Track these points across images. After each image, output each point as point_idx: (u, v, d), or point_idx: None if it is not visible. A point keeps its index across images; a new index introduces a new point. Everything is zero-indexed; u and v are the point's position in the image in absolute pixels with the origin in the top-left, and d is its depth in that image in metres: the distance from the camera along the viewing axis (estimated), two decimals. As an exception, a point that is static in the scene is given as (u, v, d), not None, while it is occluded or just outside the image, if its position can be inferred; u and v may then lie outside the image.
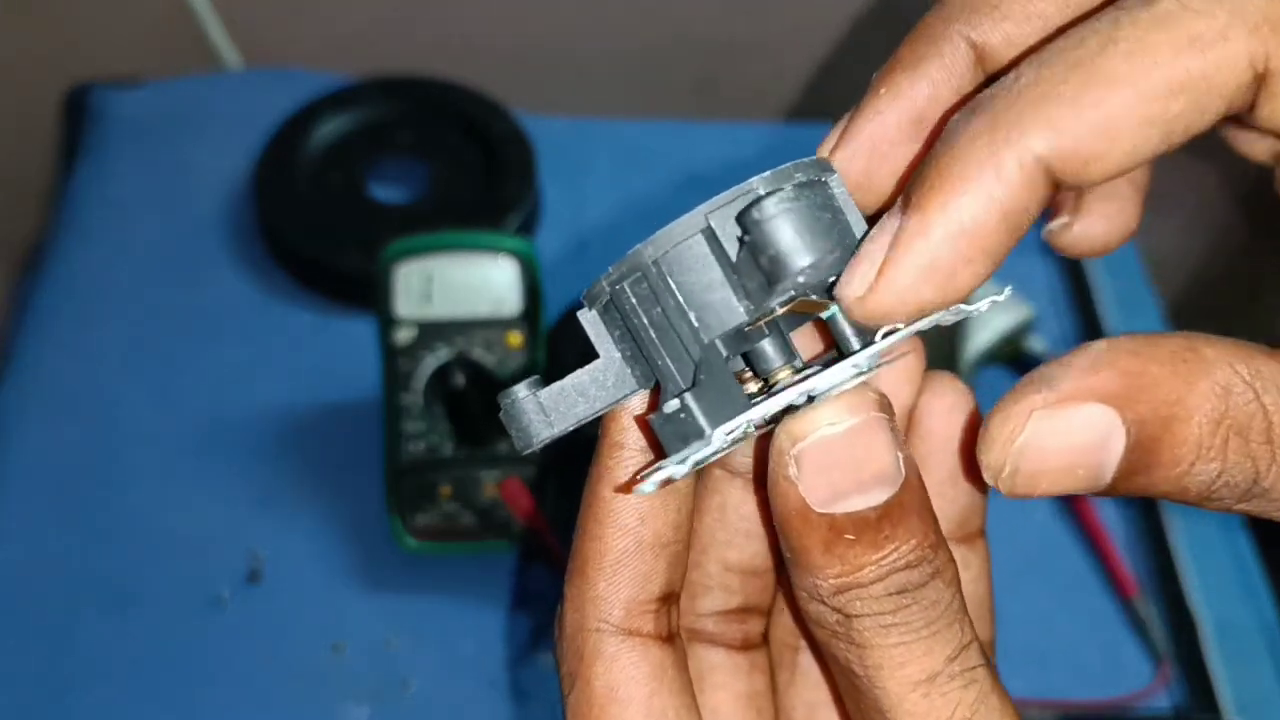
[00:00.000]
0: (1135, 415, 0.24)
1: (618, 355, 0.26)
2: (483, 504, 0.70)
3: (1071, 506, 0.77)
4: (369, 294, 0.75)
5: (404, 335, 0.72)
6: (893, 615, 0.25)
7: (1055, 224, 0.31)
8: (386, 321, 0.73)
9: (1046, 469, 0.25)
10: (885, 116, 0.28)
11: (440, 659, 0.70)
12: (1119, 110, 0.23)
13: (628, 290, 0.26)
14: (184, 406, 0.79)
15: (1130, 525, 0.77)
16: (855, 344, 0.26)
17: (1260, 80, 0.23)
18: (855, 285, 0.25)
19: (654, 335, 0.25)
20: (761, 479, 0.31)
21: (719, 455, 0.26)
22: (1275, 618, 0.74)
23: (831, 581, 0.25)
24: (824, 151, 0.28)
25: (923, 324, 0.26)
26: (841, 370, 0.25)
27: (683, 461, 0.24)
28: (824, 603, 0.25)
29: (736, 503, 0.32)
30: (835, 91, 1.10)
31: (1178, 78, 0.23)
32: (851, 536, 0.25)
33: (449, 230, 0.75)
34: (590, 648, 0.27)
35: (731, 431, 0.24)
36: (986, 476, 0.25)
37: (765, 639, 0.33)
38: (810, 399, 0.25)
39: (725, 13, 1.04)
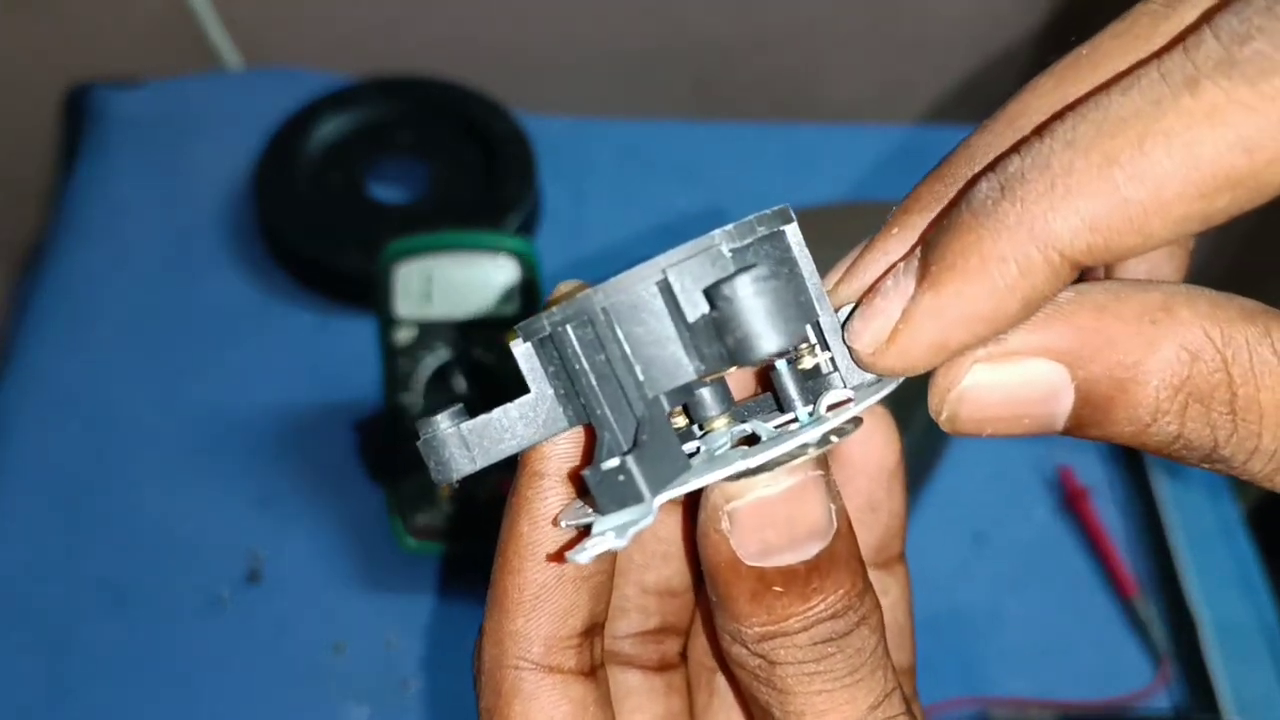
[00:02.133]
0: (1087, 374, 0.23)
1: (550, 392, 0.26)
2: (483, 504, 0.70)
3: (1072, 507, 0.77)
4: (369, 294, 0.75)
5: (404, 335, 0.72)
6: (816, 664, 0.25)
7: None
8: (386, 321, 0.73)
9: (988, 416, 0.25)
10: (893, 258, 0.26)
11: (440, 659, 0.70)
12: (1157, 210, 0.21)
13: (570, 333, 0.25)
14: (184, 407, 0.79)
15: (1130, 525, 0.77)
16: (797, 401, 0.25)
17: None
18: (866, 341, 0.25)
19: (594, 382, 0.25)
20: (691, 507, 0.30)
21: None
22: (1275, 618, 0.74)
23: (757, 630, 0.25)
24: (829, 284, 0.27)
25: (873, 398, 0.25)
26: (790, 444, 0.24)
27: (622, 533, 0.23)
28: (747, 648, 0.25)
29: (653, 526, 0.30)
30: (835, 92, 1.10)
31: (1223, 174, 0.21)
32: (779, 589, 0.24)
33: (449, 230, 0.75)
34: (509, 685, 0.27)
35: (670, 498, 0.24)
36: (931, 413, 0.25)
37: (683, 658, 0.33)
38: (759, 468, 0.24)
39: (725, 13, 1.04)
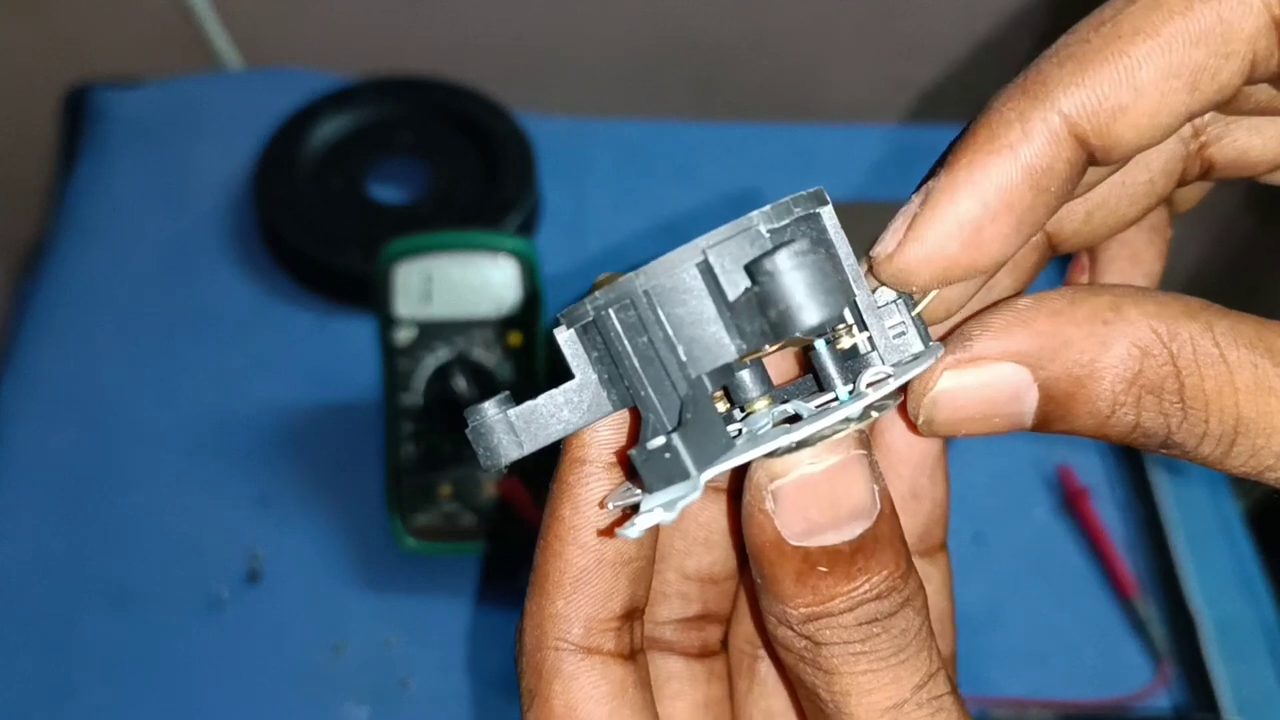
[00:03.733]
0: (1047, 374, 0.25)
1: (594, 377, 0.26)
2: (483, 504, 0.70)
3: (1071, 507, 0.77)
4: (369, 294, 0.75)
5: (404, 335, 0.72)
6: (862, 644, 0.25)
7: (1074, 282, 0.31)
8: (386, 321, 0.73)
9: (961, 418, 0.26)
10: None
11: (440, 659, 0.70)
12: (1141, 59, 0.24)
13: (613, 316, 0.25)
14: (184, 406, 0.79)
15: (1130, 525, 0.77)
16: (837, 380, 0.26)
17: None
18: (886, 243, 0.26)
19: (638, 364, 0.25)
20: (734, 493, 0.31)
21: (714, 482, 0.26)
22: (1275, 618, 0.74)
23: (802, 610, 0.25)
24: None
25: (909, 373, 0.26)
26: (832, 419, 0.24)
27: (670, 508, 0.23)
28: (792, 629, 0.25)
29: (695, 511, 0.31)
30: (835, 92, 1.10)
31: (1196, 26, 0.23)
32: (824, 569, 0.25)
33: (449, 230, 0.75)
34: (549, 666, 0.27)
35: (716, 474, 0.24)
36: (910, 418, 0.27)
37: (724, 646, 0.33)
38: (799, 445, 0.25)
39: (725, 13, 1.04)
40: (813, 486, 0.25)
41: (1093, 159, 0.25)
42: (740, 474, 0.26)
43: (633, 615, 0.28)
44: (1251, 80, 0.24)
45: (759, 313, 0.23)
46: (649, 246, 0.88)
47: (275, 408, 0.79)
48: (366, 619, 0.71)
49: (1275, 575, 0.76)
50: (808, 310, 0.23)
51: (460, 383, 0.71)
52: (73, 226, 0.88)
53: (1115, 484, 0.79)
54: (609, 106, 1.06)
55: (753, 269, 0.23)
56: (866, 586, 0.25)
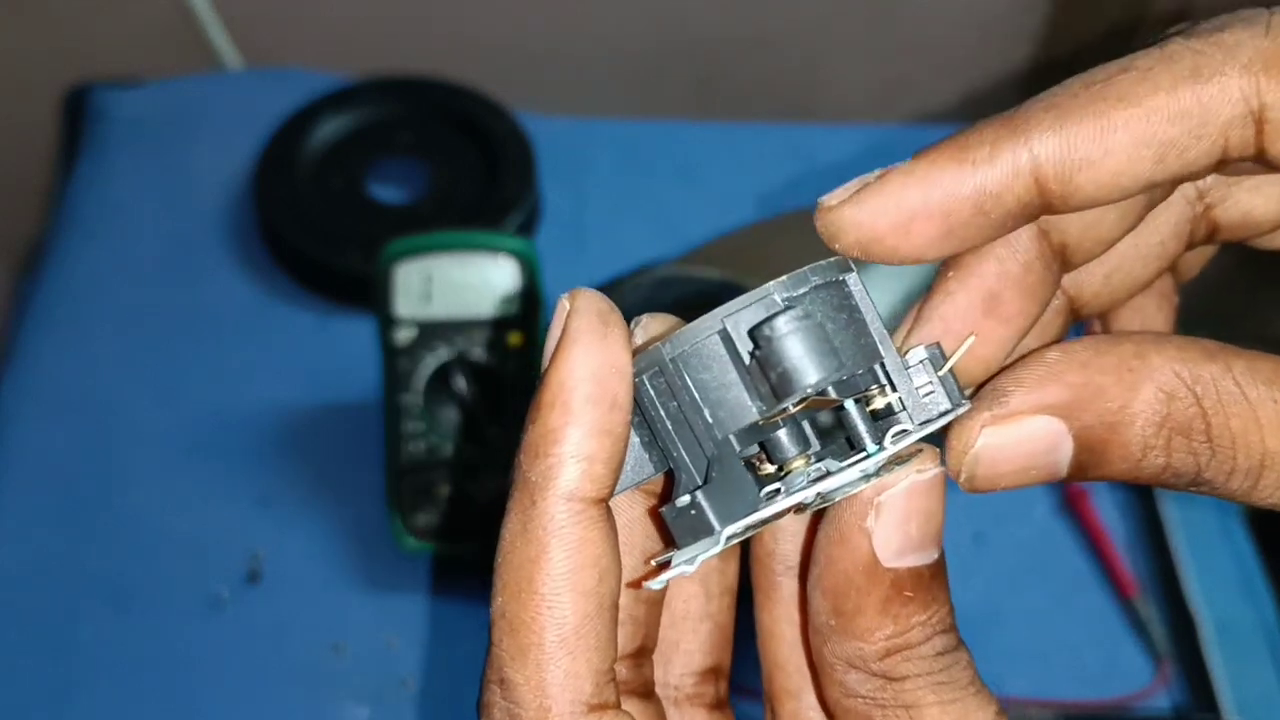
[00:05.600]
0: (1082, 424, 0.26)
1: (636, 440, 0.27)
2: (483, 504, 0.70)
3: (1072, 507, 0.77)
4: (369, 294, 0.75)
5: (404, 335, 0.72)
6: (944, 673, 0.26)
7: None
8: (386, 321, 0.73)
9: (1001, 472, 0.27)
10: (955, 299, 0.29)
11: (440, 659, 0.70)
12: (1119, 124, 0.25)
13: (646, 383, 0.26)
14: (184, 407, 0.79)
15: (1130, 525, 0.77)
16: (866, 437, 0.26)
17: (1260, 119, 0.25)
18: (833, 196, 0.27)
19: (670, 427, 0.26)
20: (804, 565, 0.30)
21: (737, 541, 0.27)
22: (1275, 618, 0.74)
23: (881, 644, 0.26)
24: (899, 339, 0.29)
25: (931, 428, 0.27)
26: (849, 474, 0.25)
27: (691, 562, 0.25)
28: (868, 669, 0.26)
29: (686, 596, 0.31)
30: (835, 92, 1.10)
31: (1176, 105, 0.25)
32: (910, 594, 0.26)
33: (449, 230, 0.75)
34: None
35: (741, 530, 0.25)
36: (951, 477, 0.27)
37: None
38: (820, 496, 0.26)
39: (725, 13, 1.04)
40: (919, 496, 0.26)
41: (1048, 205, 0.26)
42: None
43: (642, 655, 0.28)
44: (1225, 162, 0.26)
45: (764, 376, 0.25)
46: (649, 247, 0.88)
47: (275, 408, 0.79)
48: (366, 619, 0.71)
49: (1275, 575, 0.76)
50: (805, 372, 0.24)
51: (460, 383, 0.71)
52: (73, 226, 0.88)
53: (1115, 484, 0.79)
54: (609, 106, 1.06)
55: (754, 335, 0.25)
56: (939, 615, 0.26)
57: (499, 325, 0.73)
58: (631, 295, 0.76)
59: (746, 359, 0.26)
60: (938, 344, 0.28)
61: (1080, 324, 0.34)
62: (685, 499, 0.26)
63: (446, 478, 0.71)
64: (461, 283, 0.73)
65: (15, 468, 0.76)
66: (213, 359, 0.81)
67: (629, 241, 0.87)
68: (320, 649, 0.70)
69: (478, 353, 0.72)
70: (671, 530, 0.26)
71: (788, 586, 0.30)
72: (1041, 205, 0.26)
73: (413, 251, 0.73)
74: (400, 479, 0.71)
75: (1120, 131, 0.25)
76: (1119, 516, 0.77)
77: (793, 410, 0.25)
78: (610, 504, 0.26)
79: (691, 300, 0.75)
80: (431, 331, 0.72)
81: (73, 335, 0.82)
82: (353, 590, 0.72)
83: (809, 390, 0.24)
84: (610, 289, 0.80)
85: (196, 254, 0.87)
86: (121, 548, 0.73)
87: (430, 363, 0.72)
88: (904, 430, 0.26)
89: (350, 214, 0.85)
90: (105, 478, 0.76)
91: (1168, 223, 0.31)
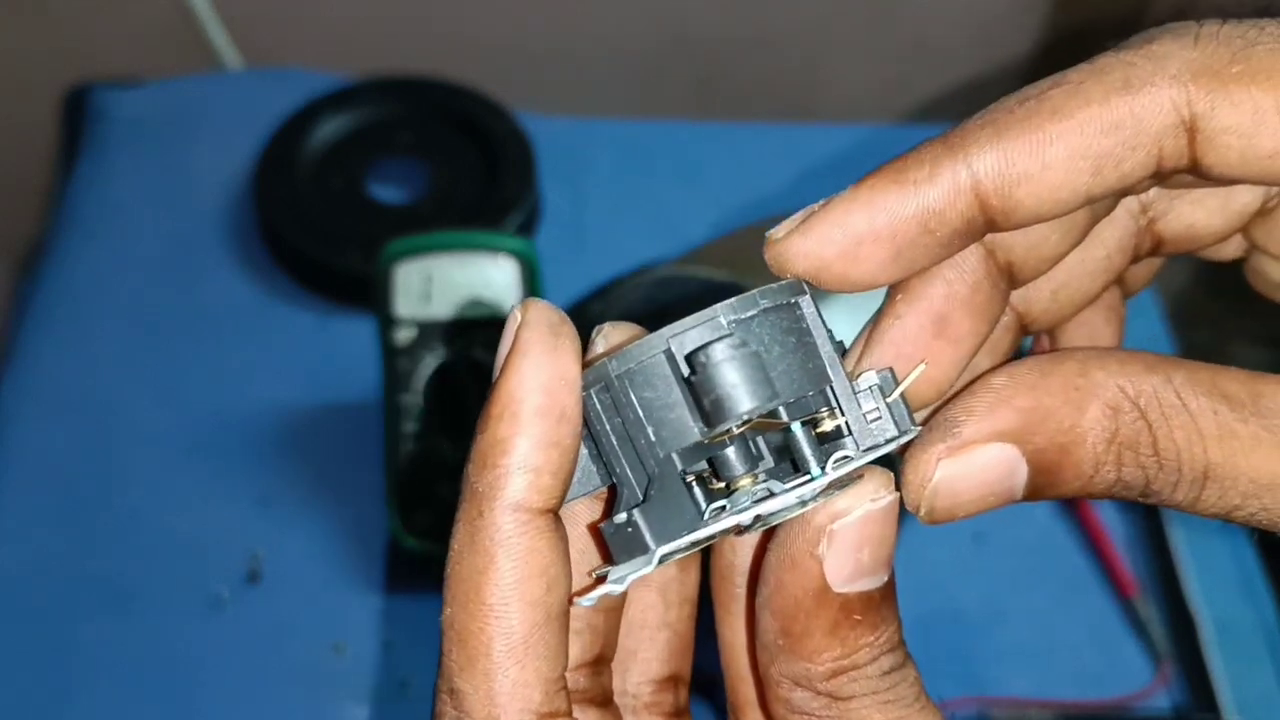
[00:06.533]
0: (1034, 447, 0.26)
1: (585, 452, 0.27)
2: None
3: (1071, 507, 0.77)
4: (369, 294, 0.75)
5: (404, 335, 0.72)
6: (889, 692, 0.26)
7: None
8: (386, 321, 0.73)
9: (960, 503, 0.27)
10: (904, 323, 0.29)
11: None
12: (1054, 137, 0.25)
13: (594, 397, 0.26)
14: (184, 406, 0.79)
15: (1130, 525, 0.77)
16: (811, 460, 0.26)
17: (1191, 129, 0.25)
18: (780, 229, 0.27)
19: (615, 442, 0.26)
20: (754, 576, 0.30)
21: (675, 560, 0.27)
22: (1275, 618, 0.74)
23: (829, 665, 0.26)
24: (850, 363, 0.29)
25: (875, 454, 0.27)
26: (789, 498, 0.25)
27: (621, 581, 0.25)
28: (813, 688, 0.26)
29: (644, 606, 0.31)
30: (835, 92, 1.10)
31: (1109, 116, 0.25)
32: (859, 617, 0.25)
33: (449, 230, 0.75)
34: None
35: (677, 549, 0.25)
36: (910, 510, 0.27)
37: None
38: (758, 519, 0.25)
39: (725, 12, 1.04)
40: (871, 525, 0.26)
41: (991, 222, 0.26)
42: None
43: (599, 663, 0.28)
44: (1161, 172, 0.26)
45: (700, 401, 0.25)
46: (649, 247, 0.88)
47: (275, 408, 0.79)
48: (366, 619, 0.71)
49: (1275, 575, 0.76)
50: (738, 400, 0.24)
51: (461, 383, 0.71)
52: (73, 226, 0.88)
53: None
54: (609, 106, 1.06)
55: (690, 360, 0.25)
56: (887, 636, 0.26)
57: (499, 325, 0.73)
58: (631, 295, 0.76)
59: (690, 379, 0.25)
60: (890, 369, 0.28)
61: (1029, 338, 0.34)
62: (623, 516, 0.26)
63: (446, 478, 0.71)
64: (461, 283, 0.73)
65: (15, 468, 0.76)
66: (213, 359, 0.81)
67: (629, 241, 0.87)
68: (320, 649, 0.70)
69: (478, 353, 0.72)
70: (609, 546, 0.26)
71: (748, 600, 0.30)
72: (985, 223, 0.26)
73: (413, 251, 0.73)
74: (400, 479, 0.71)
75: (1056, 144, 0.25)
76: (1119, 516, 0.77)
77: (736, 431, 0.25)
78: (566, 513, 0.26)
79: (691, 300, 0.75)
80: (431, 331, 0.72)
81: (73, 335, 0.82)
82: (353, 590, 0.72)
83: (743, 417, 0.24)
84: (610, 289, 0.80)
85: (196, 254, 0.87)
86: (121, 548, 0.73)
87: (430, 363, 0.72)
88: (847, 456, 0.26)
89: (350, 214, 0.85)
90: (105, 478, 0.76)
91: (1112, 237, 0.31)
